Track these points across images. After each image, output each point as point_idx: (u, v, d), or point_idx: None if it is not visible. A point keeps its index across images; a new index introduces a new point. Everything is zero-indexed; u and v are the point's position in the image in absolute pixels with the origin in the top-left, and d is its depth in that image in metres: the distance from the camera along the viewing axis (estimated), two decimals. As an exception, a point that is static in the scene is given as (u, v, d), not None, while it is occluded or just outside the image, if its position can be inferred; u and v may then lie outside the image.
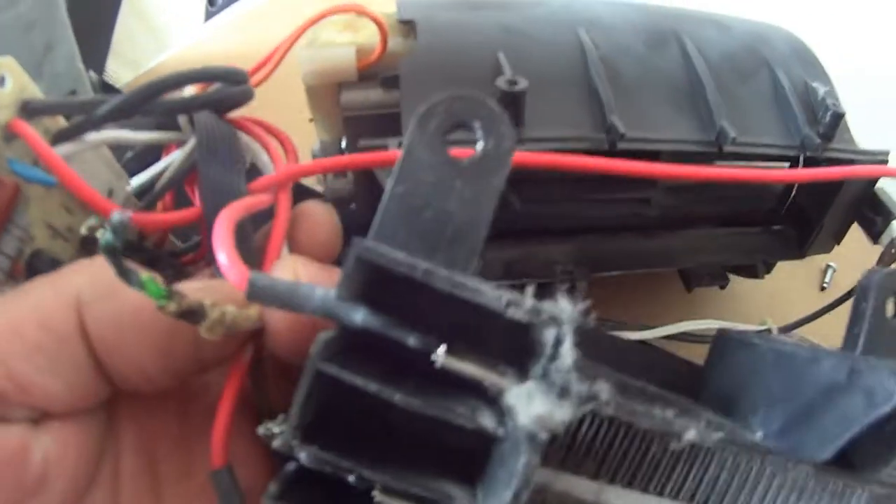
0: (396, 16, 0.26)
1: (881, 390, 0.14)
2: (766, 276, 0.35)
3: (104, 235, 0.13)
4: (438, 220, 0.15)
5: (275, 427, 0.15)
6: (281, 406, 0.16)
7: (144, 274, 0.15)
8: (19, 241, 0.22)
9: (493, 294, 0.14)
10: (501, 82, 0.21)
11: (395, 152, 0.20)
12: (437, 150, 0.15)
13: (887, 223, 0.32)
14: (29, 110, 0.21)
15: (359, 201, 0.28)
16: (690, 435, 0.13)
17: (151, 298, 0.14)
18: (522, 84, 0.21)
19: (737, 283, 0.36)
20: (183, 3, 0.51)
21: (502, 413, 0.14)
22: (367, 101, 0.25)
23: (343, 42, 0.25)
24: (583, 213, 0.29)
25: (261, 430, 0.15)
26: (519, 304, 0.14)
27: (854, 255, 0.34)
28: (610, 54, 0.25)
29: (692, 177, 0.22)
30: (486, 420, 0.14)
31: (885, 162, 0.31)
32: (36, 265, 0.22)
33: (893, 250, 0.32)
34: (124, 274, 0.14)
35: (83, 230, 0.24)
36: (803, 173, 0.26)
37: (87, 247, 0.24)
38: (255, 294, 0.15)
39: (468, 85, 0.23)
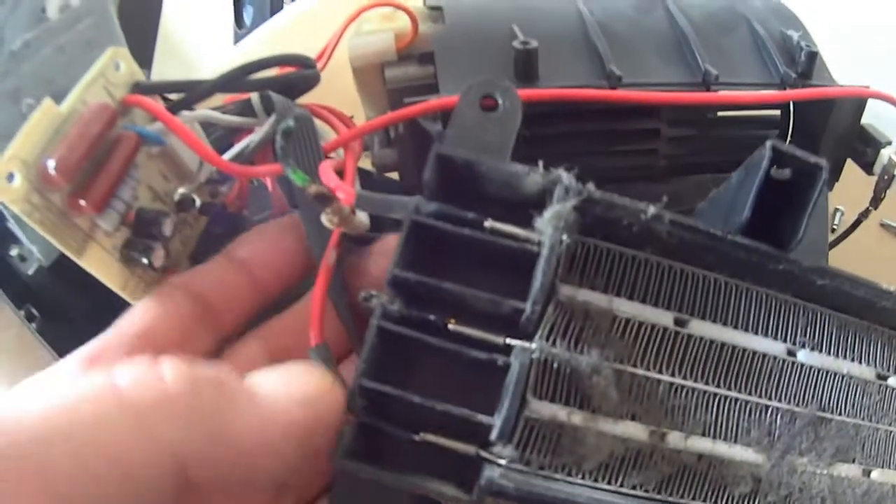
0: (426, 4, 0.36)
1: (757, 158, 0.24)
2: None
3: (285, 123, 0.23)
4: (477, 147, 0.25)
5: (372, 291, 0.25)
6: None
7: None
8: (132, 192, 0.31)
9: (521, 167, 0.24)
10: (517, 44, 0.31)
11: (438, 100, 0.30)
12: (474, 108, 0.26)
13: (877, 153, 0.41)
14: (140, 89, 0.31)
15: (403, 168, 0.38)
16: (651, 210, 0.23)
17: (297, 182, 0.24)
18: (534, 44, 0.31)
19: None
20: (212, 31, 0.63)
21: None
22: (406, 76, 0.35)
23: (383, 29, 0.36)
24: (595, 166, 0.39)
25: (362, 294, 0.25)
26: (536, 171, 0.24)
27: (860, 199, 0.44)
28: (604, 19, 0.35)
29: (689, 102, 0.32)
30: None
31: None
32: (142, 216, 0.31)
33: (886, 176, 0.42)
34: (286, 156, 0.24)
35: (177, 196, 0.34)
36: (793, 93, 0.35)
37: (182, 209, 0.34)
38: (361, 202, 0.25)
39: (489, 52, 0.33)
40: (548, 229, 0.22)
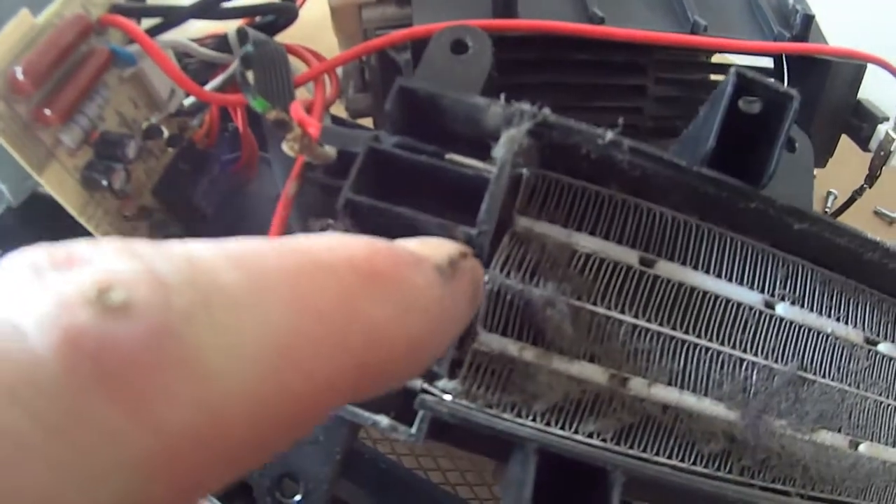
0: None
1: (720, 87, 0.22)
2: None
3: (244, 50, 0.21)
4: (445, 85, 0.23)
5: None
6: None
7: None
8: (99, 111, 0.30)
9: (482, 99, 0.22)
10: (495, -24, 0.29)
11: (406, 31, 0.28)
12: (444, 52, 0.25)
13: (873, 128, 0.38)
14: (117, 9, 0.30)
15: (377, 113, 0.36)
16: (609, 135, 0.21)
17: (257, 108, 0.22)
18: (512, -24, 0.29)
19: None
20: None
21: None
22: (384, 16, 0.33)
23: (363, -33, 0.33)
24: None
25: (318, 223, 0.23)
26: (497, 103, 0.22)
27: (854, 183, 0.41)
28: (591, -36, 0.33)
29: (673, 43, 0.30)
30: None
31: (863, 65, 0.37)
32: (106, 137, 0.30)
33: (882, 152, 0.39)
34: (246, 85, 0.22)
35: (144, 125, 0.32)
36: (785, 45, 0.33)
37: (148, 136, 0.32)
38: (325, 135, 0.24)
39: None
40: (500, 152, 0.20)
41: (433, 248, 0.14)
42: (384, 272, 0.12)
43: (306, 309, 0.10)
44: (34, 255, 0.10)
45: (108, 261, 0.09)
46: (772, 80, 0.22)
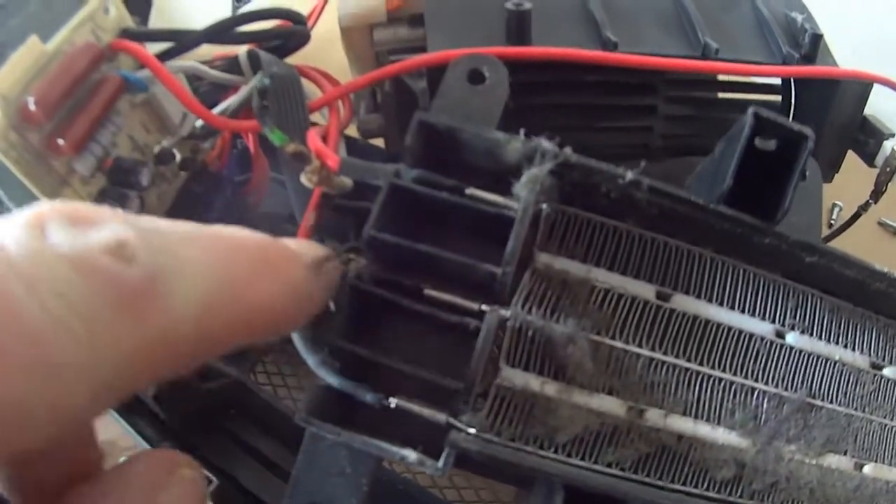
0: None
1: (739, 126, 0.23)
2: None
3: (261, 82, 0.22)
4: (463, 118, 0.24)
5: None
6: None
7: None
8: (112, 138, 0.30)
9: (502, 135, 0.23)
10: (510, 5, 0.30)
11: (422, 57, 0.28)
12: (461, 82, 0.25)
13: (879, 144, 0.40)
14: (127, 35, 0.30)
15: (388, 134, 0.37)
16: (629, 176, 0.22)
17: (275, 141, 0.23)
18: (527, 5, 0.30)
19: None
20: (210, 4, 0.61)
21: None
22: (395, 37, 0.34)
23: (374, -12, 0.34)
24: (589, 142, 0.37)
25: (341, 256, 0.24)
26: (517, 139, 0.23)
27: (860, 195, 0.42)
28: (604, -13, 0.34)
29: (685, 69, 0.31)
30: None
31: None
32: (120, 164, 0.31)
33: (888, 168, 0.40)
34: (262, 115, 0.23)
35: (157, 149, 0.33)
36: (795, 69, 0.34)
37: (161, 161, 0.33)
38: (344, 168, 0.24)
39: (481, 14, 0.32)
40: (523, 192, 0.21)
41: (308, 249, 0.20)
42: (273, 262, 0.18)
43: (228, 278, 0.17)
44: (62, 210, 0.15)
45: (117, 226, 0.15)
46: (787, 119, 0.23)
